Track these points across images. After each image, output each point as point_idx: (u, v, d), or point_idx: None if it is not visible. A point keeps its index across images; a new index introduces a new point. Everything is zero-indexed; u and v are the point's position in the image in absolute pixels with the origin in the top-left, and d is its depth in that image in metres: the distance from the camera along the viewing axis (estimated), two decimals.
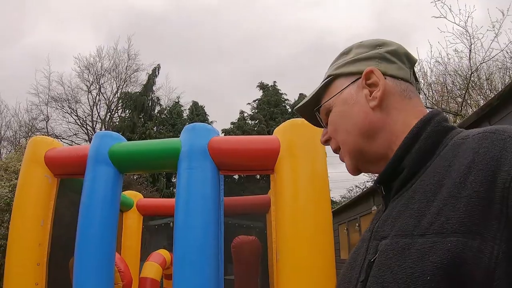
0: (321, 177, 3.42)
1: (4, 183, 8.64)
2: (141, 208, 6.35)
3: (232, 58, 45.20)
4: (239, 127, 29.29)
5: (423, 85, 15.18)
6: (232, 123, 30.51)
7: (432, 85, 15.33)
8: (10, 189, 8.33)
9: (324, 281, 3.10)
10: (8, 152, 21.71)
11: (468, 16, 13.08)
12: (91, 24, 39.67)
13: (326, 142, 1.08)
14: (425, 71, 15.40)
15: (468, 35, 13.05)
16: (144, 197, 7.09)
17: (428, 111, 0.95)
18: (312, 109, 1.09)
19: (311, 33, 46.51)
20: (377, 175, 0.97)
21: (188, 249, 3.07)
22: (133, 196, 6.46)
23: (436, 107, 14.40)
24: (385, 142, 0.93)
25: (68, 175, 3.98)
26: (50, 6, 37.44)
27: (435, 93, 15.34)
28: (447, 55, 14.82)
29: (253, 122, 30.58)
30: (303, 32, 46.47)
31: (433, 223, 0.69)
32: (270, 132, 29.12)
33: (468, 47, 13.18)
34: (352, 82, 1.00)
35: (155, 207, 6.54)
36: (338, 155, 1.07)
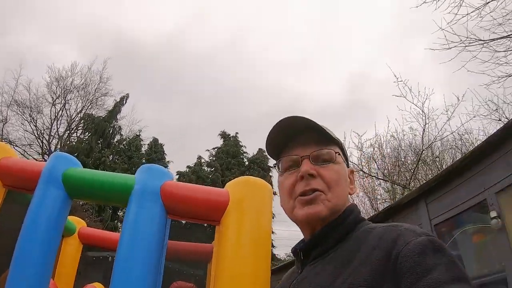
0: (265, 236, 3.49)
1: None
2: (83, 236, 6.11)
3: (203, 103, 45.59)
4: (195, 172, 29.27)
5: (378, 155, 16.30)
6: (188, 166, 30.49)
7: (387, 157, 16.54)
8: None
9: None
10: None
11: (426, 98, 14.15)
12: (76, 39, 39.43)
13: (310, 175, 1.16)
14: (381, 143, 16.42)
15: (424, 115, 14.33)
16: (87, 226, 6.79)
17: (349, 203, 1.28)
18: (306, 132, 1.22)
19: (285, 95, 47.61)
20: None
21: (126, 283, 3.09)
22: (76, 222, 6.21)
23: (388, 178, 15.19)
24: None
25: (17, 188, 3.93)
26: (42, 11, 37.09)
27: (388, 165, 16.46)
28: (402, 131, 16.09)
29: (209, 169, 30.65)
30: (279, 92, 47.56)
31: (344, 282, 0.97)
32: (224, 182, 29.24)
33: (423, 126, 14.44)
34: (345, 164, 1.29)
35: (97, 238, 6.28)
36: (306, 195, 1.17)
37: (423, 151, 14.82)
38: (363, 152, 16.36)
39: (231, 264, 3.34)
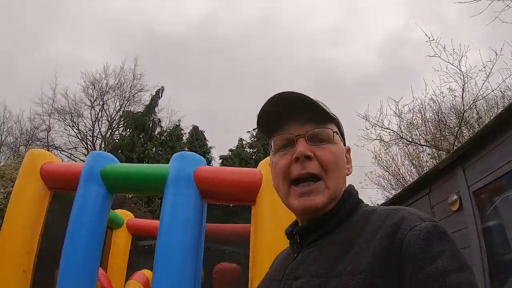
0: None
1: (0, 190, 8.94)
2: (130, 227, 6.47)
3: (239, 85, 45.57)
4: (237, 154, 29.29)
5: (420, 120, 15.34)
6: (230, 150, 30.52)
7: (429, 122, 15.50)
8: (5, 195, 8.64)
9: None
10: (7, 159, 21.89)
11: (462, 56, 12.87)
12: (107, 40, 40.11)
13: (307, 157, 1.07)
14: (421, 107, 15.50)
15: (461, 74, 13.19)
16: (137, 217, 7.22)
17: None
18: (303, 108, 1.12)
19: (319, 68, 46.96)
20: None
21: (168, 270, 3.24)
22: (124, 215, 6.58)
23: (431, 143, 14.62)
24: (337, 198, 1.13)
25: (61, 189, 4.17)
26: (69, 19, 37.93)
27: (431, 129, 15.50)
28: (441, 93, 14.80)
29: (251, 150, 30.63)
30: (312, 66, 46.95)
31: (346, 267, 0.91)
32: None
33: (461, 86, 13.37)
34: (343, 143, 1.20)
35: (144, 227, 6.59)
36: (301, 179, 1.08)
37: (465, 112, 13.88)
38: (402, 118, 15.34)
39: (268, 243, 3.43)
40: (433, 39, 12.58)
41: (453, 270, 0.82)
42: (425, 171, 11.12)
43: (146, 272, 6.10)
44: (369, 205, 1.15)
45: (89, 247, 3.52)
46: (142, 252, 7.58)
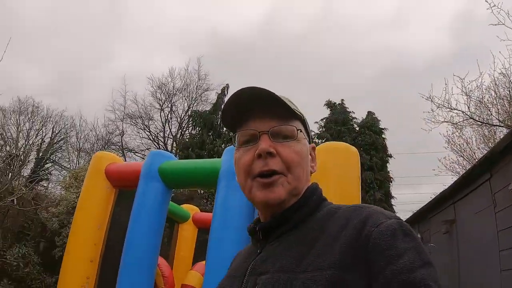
0: (352, 200, 3.55)
1: (73, 190, 9.74)
2: (196, 221, 6.81)
3: (305, 79, 45.48)
4: None
5: (493, 97, 13.74)
6: None
7: (504, 100, 13.90)
8: (78, 195, 9.29)
9: None
10: (85, 163, 23.34)
11: None
12: (167, 47, 41.46)
13: (269, 154, 1.06)
14: (493, 82, 13.77)
15: None
16: (205, 212, 7.54)
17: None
18: (268, 105, 1.10)
19: (388, 55, 45.77)
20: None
21: (220, 260, 3.39)
22: (190, 209, 6.92)
23: (507, 123, 13.27)
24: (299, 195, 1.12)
25: (124, 187, 4.51)
26: (129, 32, 39.60)
27: (507, 107, 13.85)
28: (510, 65, 12.71)
29: (320, 141, 30.53)
30: (381, 53, 45.84)
31: (312, 263, 0.92)
32: None
33: None
34: (307, 140, 1.18)
35: (210, 221, 6.83)
36: (263, 175, 1.06)
37: None
38: (470, 97, 13.37)
39: None
40: (494, 5, 11.41)
41: (419, 266, 0.85)
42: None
43: None
44: (333, 203, 1.15)
45: (149, 238, 3.80)
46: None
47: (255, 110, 1.11)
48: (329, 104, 32.18)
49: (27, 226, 10.51)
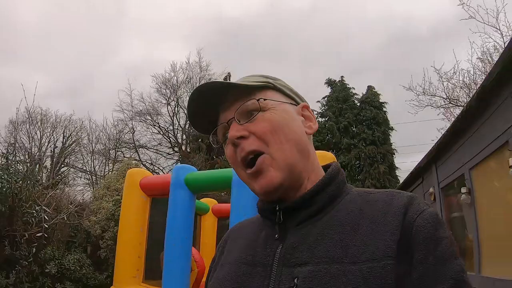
0: None
1: (108, 199, 11.36)
2: (215, 212, 7.93)
3: (311, 57, 45.47)
4: None
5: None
6: None
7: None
8: (113, 203, 10.99)
9: None
10: (100, 163, 24.40)
11: (499, 13, 12.20)
12: (168, 39, 41.76)
13: (240, 138, 0.96)
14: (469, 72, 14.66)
15: (500, 33, 12.63)
16: (219, 202, 8.59)
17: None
18: (222, 95, 1.01)
19: (391, 24, 45.48)
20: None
21: None
22: (209, 202, 8.01)
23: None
24: (308, 169, 0.99)
25: (157, 195, 5.64)
26: (132, 26, 39.96)
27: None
28: (487, 50, 13.77)
29: (323, 119, 30.95)
30: (385, 23, 45.54)
31: (364, 252, 0.82)
32: (339, 129, 29.61)
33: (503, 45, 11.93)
34: (290, 103, 1.05)
35: (227, 211, 7.30)
36: (247, 161, 0.96)
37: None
38: (448, 83, 14.82)
39: None
40: (464, 2, 12.19)
41: (454, 256, 0.82)
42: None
43: None
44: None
45: (183, 234, 4.86)
46: (227, 229, 8.95)
47: (217, 105, 1.04)
48: (329, 82, 32.41)
49: (73, 235, 12.76)
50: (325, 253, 0.85)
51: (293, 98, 1.07)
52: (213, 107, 1.03)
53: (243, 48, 41.75)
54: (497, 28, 12.72)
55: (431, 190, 7.01)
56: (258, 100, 0.98)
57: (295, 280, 0.84)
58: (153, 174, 8.70)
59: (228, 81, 1.06)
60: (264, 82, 1.02)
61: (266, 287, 0.88)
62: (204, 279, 6.48)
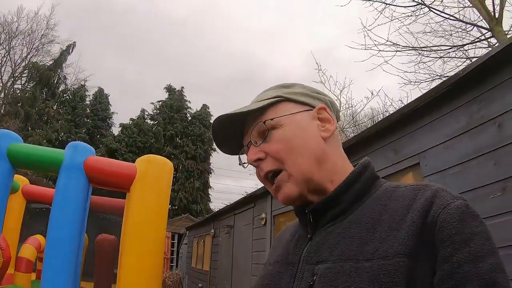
0: (163, 199, 4.64)
1: None
2: (26, 193, 6.75)
3: (164, 62, 45.08)
4: (137, 124, 29.25)
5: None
6: (131, 119, 30.49)
7: None
8: None
9: (153, 277, 4.27)
10: None
11: (344, 87, 14.60)
12: None
13: (257, 160, 1.02)
14: None
15: (339, 103, 14.76)
16: (32, 182, 7.22)
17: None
18: (242, 120, 1.06)
19: (248, 62, 47.52)
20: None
21: (59, 238, 4.11)
22: (20, 180, 6.76)
23: None
24: (328, 174, 1.01)
25: None
26: None
27: None
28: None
29: (152, 122, 30.87)
30: (244, 59, 47.34)
31: (377, 250, 0.82)
32: (166, 135, 29.64)
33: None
34: (304, 111, 1.05)
35: (40, 194, 6.83)
36: (268, 179, 1.03)
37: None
38: None
39: (136, 220, 4.44)
40: (321, 70, 14.77)
41: (487, 254, 0.78)
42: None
43: (39, 237, 6.48)
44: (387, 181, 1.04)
45: None
46: (34, 215, 7.99)
47: (239, 129, 1.09)
48: (169, 89, 32.27)
49: None
50: (343, 251, 0.87)
51: (307, 103, 1.08)
52: (236, 135, 1.09)
53: (101, 30, 39.80)
54: (338, 99, 14.99)
55: (263, 215, 8.12)
56: (265, 122, 1.02)
57: (314, 277, 0.88)
58: None
59: (228, 113, 1.04)
60: (275, 97, 1.05)
61: (292, 283, 0.94)
62: (10, 271, 5.89)
